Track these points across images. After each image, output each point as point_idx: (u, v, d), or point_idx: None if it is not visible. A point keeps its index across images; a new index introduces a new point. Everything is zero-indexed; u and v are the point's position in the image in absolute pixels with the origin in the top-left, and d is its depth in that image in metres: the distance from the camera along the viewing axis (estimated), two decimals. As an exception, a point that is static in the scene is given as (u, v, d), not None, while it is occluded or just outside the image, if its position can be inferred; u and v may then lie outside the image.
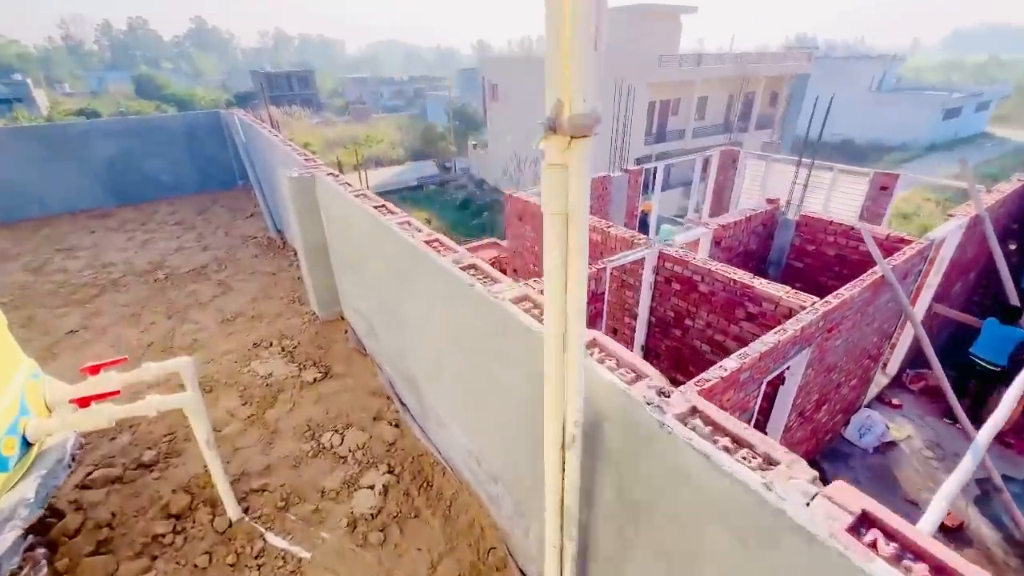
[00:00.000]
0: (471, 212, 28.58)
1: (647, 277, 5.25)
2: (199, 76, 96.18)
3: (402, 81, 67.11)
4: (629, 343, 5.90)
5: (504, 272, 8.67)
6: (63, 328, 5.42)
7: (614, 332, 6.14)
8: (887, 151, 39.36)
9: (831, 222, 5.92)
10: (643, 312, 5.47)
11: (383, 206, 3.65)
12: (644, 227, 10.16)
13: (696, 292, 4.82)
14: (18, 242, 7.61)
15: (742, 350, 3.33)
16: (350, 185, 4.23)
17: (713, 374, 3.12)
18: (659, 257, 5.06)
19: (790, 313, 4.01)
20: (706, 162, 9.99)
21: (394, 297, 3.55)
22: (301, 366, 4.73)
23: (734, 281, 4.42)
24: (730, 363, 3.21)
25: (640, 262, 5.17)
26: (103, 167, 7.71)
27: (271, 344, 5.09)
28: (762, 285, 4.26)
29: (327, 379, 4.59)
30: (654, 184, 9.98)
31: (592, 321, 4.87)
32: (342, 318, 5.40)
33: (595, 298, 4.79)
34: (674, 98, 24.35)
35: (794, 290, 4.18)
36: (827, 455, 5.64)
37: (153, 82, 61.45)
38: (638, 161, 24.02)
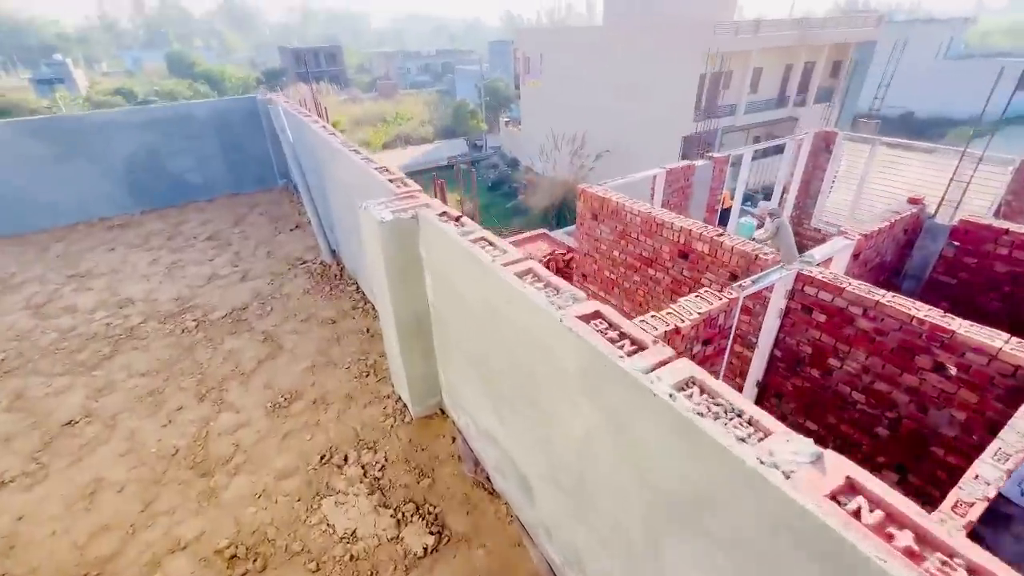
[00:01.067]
0: (503, 193, 27.48)
1: (776, 303, 4.22)
2: (229, 53, 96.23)
3: (429, 55, 65.32)
4: (738, 376, 4.91)
5: (570, 276, 7.70)
6: (60, 414, 3.91)
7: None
8: (952, 125, 36.23)
9: (1007, 231, 4.70)
10: (765, 343, 4.46)
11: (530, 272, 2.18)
12: (723, 223, 8.99)
13: (852, 327, 3.77)
14: (25, 264, 6.25)
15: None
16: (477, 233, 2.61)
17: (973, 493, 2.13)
18: (796, 279, 4.02)
19: (1015, 372, 2.95)
20: (798, 146, 8.66)
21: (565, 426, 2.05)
22: (398, 514, 3.04)
23: (919, 320, 3.36)
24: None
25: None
26: (123, 166, 6.59)
27: (346, 459, 3.43)
28: (966, 330, 3.19)
29: (444, 546, 2.87)
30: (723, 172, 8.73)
31: (711, 359, 3.90)
32: (442, 411, 3.78)
33: (721, 333, 3.81)
34: (726, 70, 22.39)
35: (1014, 337, 3.09)
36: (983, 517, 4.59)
37: (185, 60, 61.54)
38: (686, 141, 22.39)
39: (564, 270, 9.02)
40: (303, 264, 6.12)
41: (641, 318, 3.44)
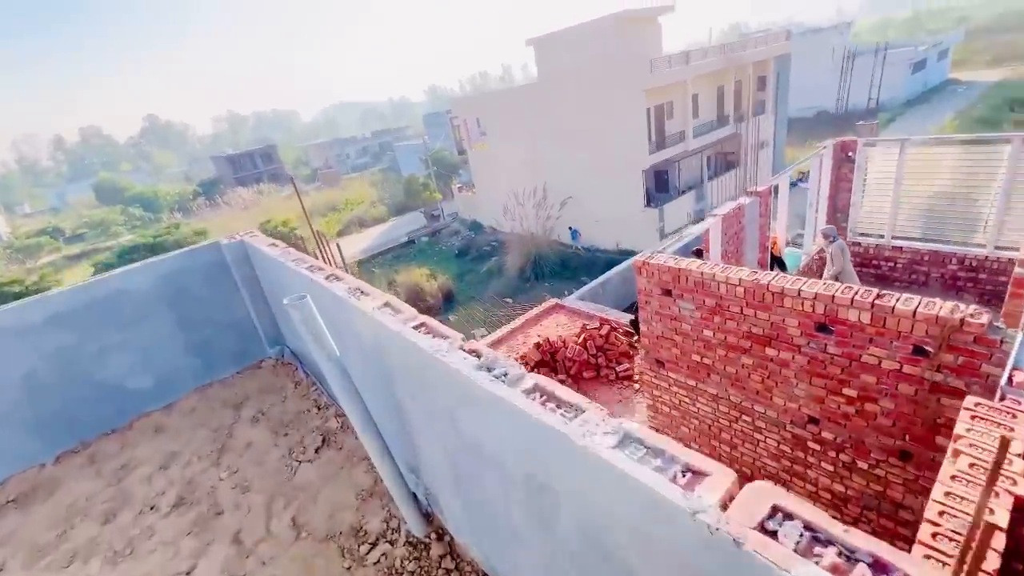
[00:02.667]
0: (473, 259, 26.41)
1: (1019, 381, 3.01)
2: (160, 172, 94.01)
3: (365, 138, 65.95)
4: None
5: (615, 355, 6.35)
6: None
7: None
8: (861, 116, 39.04)
9: None
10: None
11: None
12: (777, 266, 8.05)
13: None
14: None
15: None
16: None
17: None
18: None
19: None
20: (819, 161, 7.96)
21: None
22: None
23: None
24: None
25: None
26: (19, 393, 3.92)
27: None
28: None
29: None
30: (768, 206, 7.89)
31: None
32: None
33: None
34: (667, 101, 22.89)
35: None
36: None
37: (114, 186, 59.05)
38: (646, 174, 22.34)
39: (606, 346, 7.68)
40: (374, 546, 3.15)
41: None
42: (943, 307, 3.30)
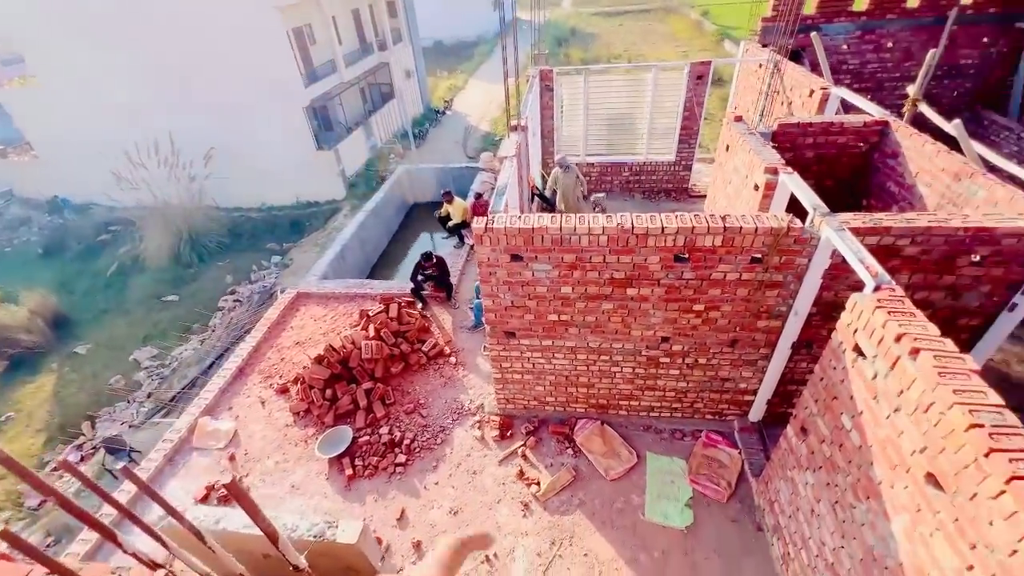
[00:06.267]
0: (79, 254, 17.91)
1: (820, 264, 3.91)
2: None
3: None
4: (763, 346, 4.62)
5: (429, 329, 5.53)
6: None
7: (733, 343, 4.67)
8: (468, 47, 44.86)
9: (810, 124, 5.72)
10: (804, 304, 4.20)
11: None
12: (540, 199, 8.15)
13: (898, 257, 3.84)
14: None
15: None
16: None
17: None
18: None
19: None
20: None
21: None
22: None
23: (964, 229, 3.64)
24: None
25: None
26: None
27: None
28: (1001, 223, 3.63)
29: None
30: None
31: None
32: None
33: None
34: (306, 24, 19.80)
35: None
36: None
37: None
38: (316, 111, 19.35)
39: (403, 329, 6.50)
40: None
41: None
42: (772, 219, 3.89)
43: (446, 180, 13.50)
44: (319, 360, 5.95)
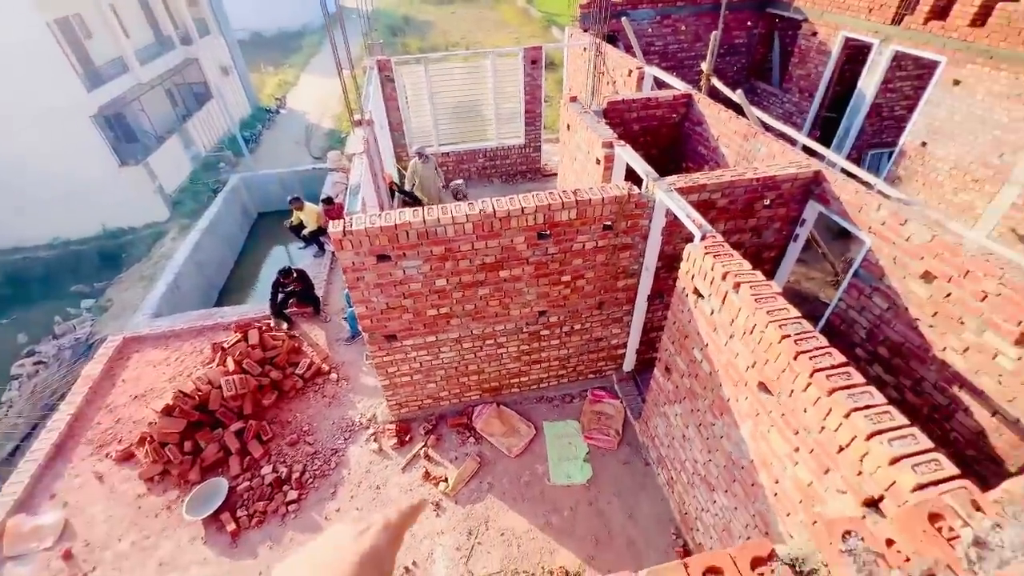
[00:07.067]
0: None
1: (659, 222, 4.44)
2: None
3: None
4: (626, 303, 5.14)
5: (300, 350, 5.20)
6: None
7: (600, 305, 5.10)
8: (293, 38, 41.10)
9: (634, 100, 6.37)
10: (651, 259, 4.74)
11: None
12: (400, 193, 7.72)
13: (713, 209, 4.53)
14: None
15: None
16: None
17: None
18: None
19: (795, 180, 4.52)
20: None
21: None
22: None
23: (757, 179, 4.42)
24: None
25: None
26: None
27: None
28: (781, 169, 4.48)
29: None
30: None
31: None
32: None
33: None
34: (73, 13, 16.23)
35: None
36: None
37: None
38: (110, 119, 15.99)
39: (270, 354, 5.90)
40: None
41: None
42: (615, 189, 4.29)
43: (292, 185, 12.33)
44: (168, 411, 5.07)
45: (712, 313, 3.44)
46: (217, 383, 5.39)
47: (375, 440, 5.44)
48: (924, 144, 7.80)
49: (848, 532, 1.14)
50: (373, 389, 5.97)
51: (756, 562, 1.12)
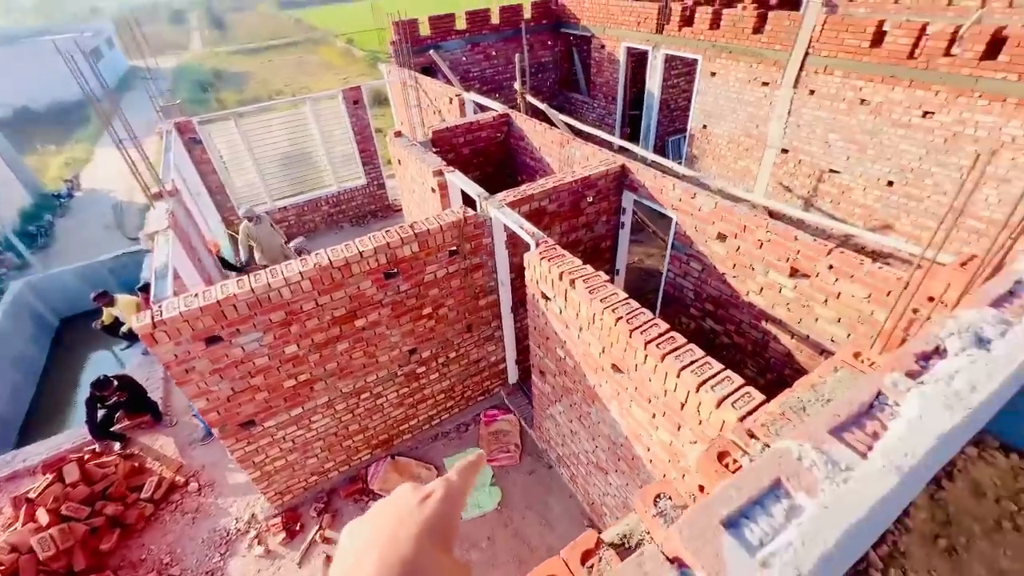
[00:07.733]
0: None
1: (500, 236, 4.61)
2: None
3: None
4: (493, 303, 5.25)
5: (145, 469, 4.50)
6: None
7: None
8: (75, 109, 35.41)
9: (457, 126, 6.57)
10: (502, 262, 4.90)
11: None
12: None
13: (546, 216, 4.85)
14: None
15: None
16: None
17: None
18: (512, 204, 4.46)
19: (606, 175, 5.08)
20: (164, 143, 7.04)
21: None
22: None
23: (581, 181, 4.84)
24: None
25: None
26: None
27: None
28: (590, 172, 4.95)
29: None
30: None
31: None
32: None
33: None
34: None
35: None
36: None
37: None
38: None
39: (103, 487, 4.90)
40: None
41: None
42: (451, 215, 4.35)
43: (99, 279, 10.37)
44: (-45, 606, 3.85)
45: (560, 312, 3.65)
46: (27, 547, 4.25)
47: (259, 543, 4.75)
48: (705, 126, 9.33)
49: (659, 496, 1.25)
50: (246, 486, 5.23)
51: (586, 556, 1.17)
